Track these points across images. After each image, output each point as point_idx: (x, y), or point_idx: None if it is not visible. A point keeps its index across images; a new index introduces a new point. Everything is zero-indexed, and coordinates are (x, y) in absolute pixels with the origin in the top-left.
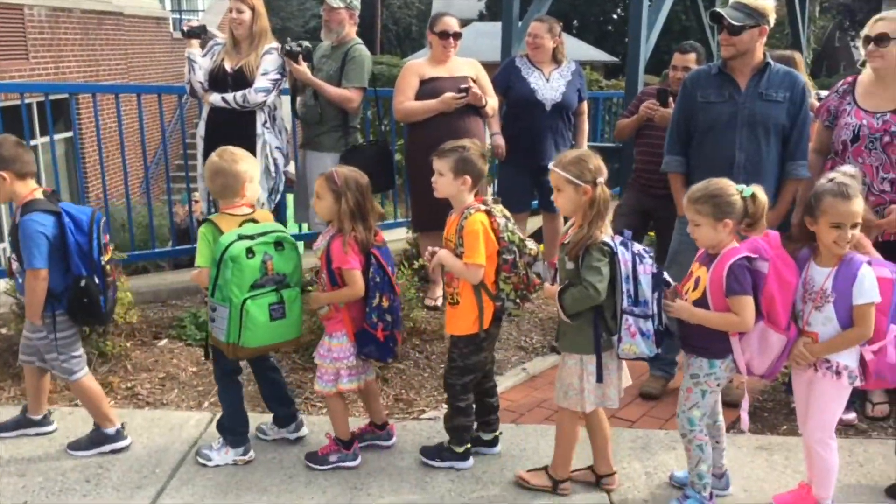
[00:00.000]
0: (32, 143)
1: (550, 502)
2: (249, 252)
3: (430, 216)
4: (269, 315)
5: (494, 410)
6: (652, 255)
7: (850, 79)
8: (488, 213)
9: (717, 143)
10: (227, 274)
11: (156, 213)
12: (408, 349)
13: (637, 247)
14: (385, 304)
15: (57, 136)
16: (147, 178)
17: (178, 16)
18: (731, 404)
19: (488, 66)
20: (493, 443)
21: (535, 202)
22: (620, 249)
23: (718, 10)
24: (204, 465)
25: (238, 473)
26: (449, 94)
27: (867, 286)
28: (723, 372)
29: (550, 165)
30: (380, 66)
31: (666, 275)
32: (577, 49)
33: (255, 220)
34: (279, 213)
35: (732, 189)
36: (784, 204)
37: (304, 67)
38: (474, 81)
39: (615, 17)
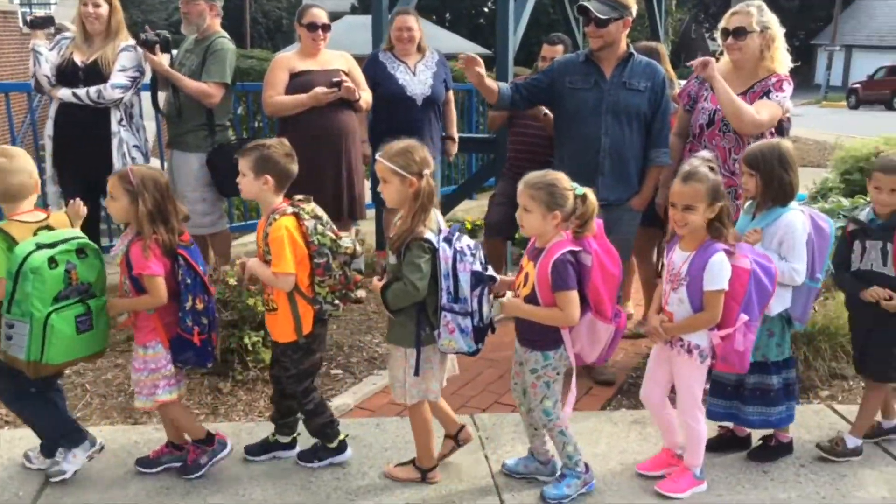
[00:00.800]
0: None
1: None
2: (52, 262)
3: None
4: (76, 328)
5: (291, 414)
6: (475, 251)
7: None
8: (296, 215)
9: (584, 128)
10: (27, 287)
11: None
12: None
13: (463, 243)
14: (199, 306)
15: None
16: None
17: (27, 9)
18: (605, 383)
19: (361, 60)
20: (292, 444)
21: None
22: (443, 246)
23: (585, 3)
24: (64, 481)
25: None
26: (320, 89)
27: (716, 273)
28: (558, 361)
29: (377, 156)
30: (250, 61)
31: (491, 270)
32: (451, 42)
33: (50, 227)
34: None
35: (568, 184)
36: (648, 189)
37: (160, 58)
38: (346, 75)
39: (486, 10)
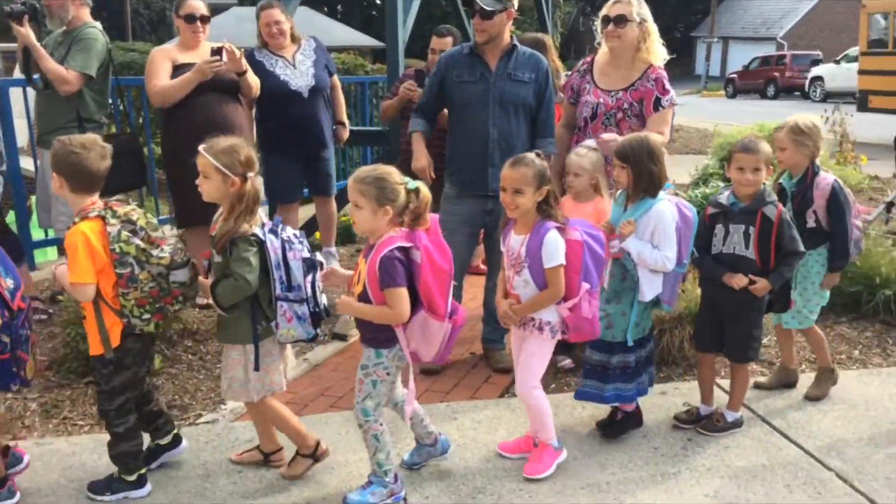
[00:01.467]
0: None
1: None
2: None
3: (196, 210)
4: None
5: (158, 416)
6: (302, 240)
7: (589, 59)
8: (102, 219)
9: (472, 120)
10: None
11: None
12: (179, 352)
13: (287, 233)
14: None
15: None
16: None
17: None
18: (503, 370)
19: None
20: (175, 442)
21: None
22: (269, 237)
23: None
24: None
25: None
26: (203, 61)
27: (552, 250)
28: (390, 361)
29: (200, 148)
30: (132, 55)
31: (319, 256)
32: (343, 34)
33: None
34: (20, 216)
35: (399, 178)
36: None
37: (27, 30)
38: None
39: (378, 1)
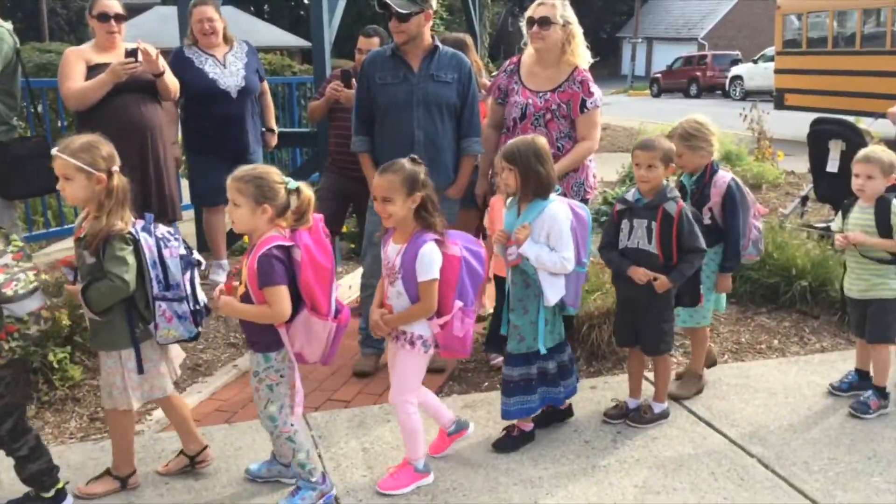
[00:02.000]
0: None
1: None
2: None
3: None
4: None
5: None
6: (177, 236)
7: (514, 59)
8: None
9: (397, 122)
10: None
11: None
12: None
13: (161, 230)
14: None
15: None
16: None
17: None
18: (437, 370)
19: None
20: (59, 498)
21: None
22: (143, 236)
23: None
24: None
25: None
26: (118, 62)
27: (427, 263)
28: (280, 363)
29: (55, 151)
30: (48, 55)
31: (197, 255)
32: (270, 35)
33: None
34: None
35: (278, 177)
36: (463, 178)
37: None
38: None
39: (306, 1)
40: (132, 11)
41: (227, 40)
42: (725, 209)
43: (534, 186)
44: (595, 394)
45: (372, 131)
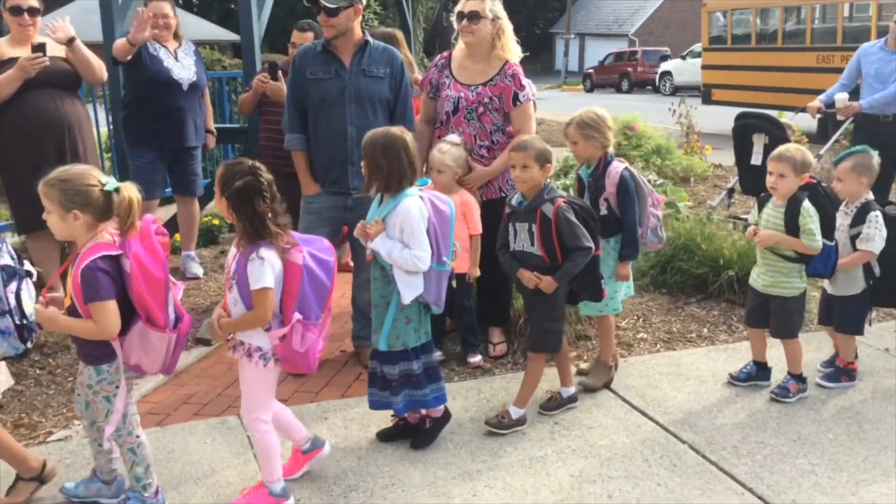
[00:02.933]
0: None
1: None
2: None
3: (36, 214)
4: None
5: None
6: (3, 244)
7: (445, 53)
8: None
9: (329, 118)
10: None
11: None
12: (26, 367)
13: None
14: None
15: None
16: None
17: None
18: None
19: (95, 46)
20: None
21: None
22: None
23: None
24: None
25: None
26: (24, 58)
27: (256, 270)
28: (115, 374)
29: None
30: None
31: (28, 265)
32: (200, 28)
33: None
34: None
35: (93, 179)
36: None
37: None
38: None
39: None
40: (55, 3)
41: (177, 37)
42: (620, 199)
43: (377, 179)
44: None
45: (306, 127)
